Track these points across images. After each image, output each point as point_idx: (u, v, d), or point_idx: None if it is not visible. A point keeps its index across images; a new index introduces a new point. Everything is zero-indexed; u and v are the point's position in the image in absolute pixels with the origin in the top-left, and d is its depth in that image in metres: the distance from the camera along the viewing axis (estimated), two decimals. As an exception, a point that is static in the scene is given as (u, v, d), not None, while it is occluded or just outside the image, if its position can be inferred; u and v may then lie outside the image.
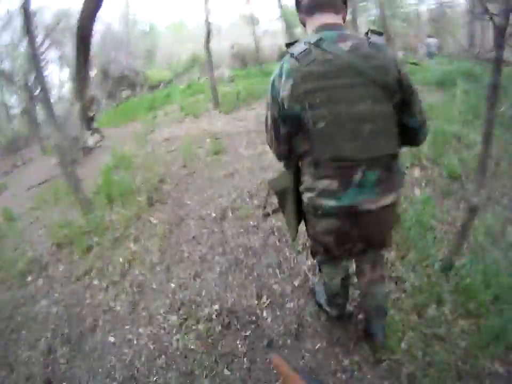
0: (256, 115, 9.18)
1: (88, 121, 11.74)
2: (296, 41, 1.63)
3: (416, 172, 4.47)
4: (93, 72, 27.32)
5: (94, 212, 5.19)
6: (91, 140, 11.75)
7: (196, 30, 40.86)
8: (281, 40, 32.93)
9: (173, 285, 3.34)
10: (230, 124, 8.93)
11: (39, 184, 9.08)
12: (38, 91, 14.86)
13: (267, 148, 6.58)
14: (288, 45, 1.65)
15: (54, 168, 9.81)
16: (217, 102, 11.28)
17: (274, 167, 5.24)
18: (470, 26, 21.90)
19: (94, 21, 8.72)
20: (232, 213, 4.31)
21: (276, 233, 3.72)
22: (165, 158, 7.30)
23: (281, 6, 20.58)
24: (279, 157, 1.90)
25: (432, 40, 16.71)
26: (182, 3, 77.71)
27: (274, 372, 1.32)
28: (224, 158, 6.32)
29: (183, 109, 12.41)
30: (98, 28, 28.96)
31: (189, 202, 4.90)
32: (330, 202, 1.56)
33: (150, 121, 12.43)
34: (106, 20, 31.49)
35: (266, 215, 4.03)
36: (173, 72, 32.77)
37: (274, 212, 4.01)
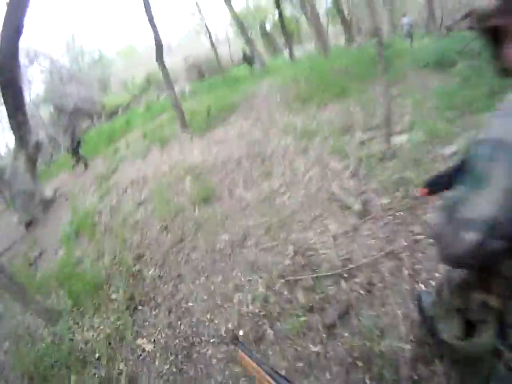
0: (240, 133, 7.51)
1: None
2: None
3: None
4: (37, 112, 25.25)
5: (58, 324, 3.58)
6: (48, 191, 9.89)
7: (147, 52, 39.39)
8: (235, 47, 31.49)
9: None
10: (209, 151, 7.19)
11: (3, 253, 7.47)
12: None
13: (275, 183, 4.76)
14: None
15: (17, 227, 8.65)
16: (185, 123, 9.50)
17: (302, 219, 3.61)
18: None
19: (17, 60, 7.51)
20: (271, 326, 2.56)
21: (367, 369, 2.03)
22: (135, 214, 5.55)
23: (232, 9, 18.73)
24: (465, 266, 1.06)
25: (407, 19, 15.93)
26: (129, 27, 74.17)
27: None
28: (219, 209, 4.60)
29: (146, 136, 10.62)
30: (44, 64, 27.02)
31: (191, 304, 3.13)
32: None
33: (111, 156, 10.60)
34: (54, 56, 29.37)
35: (331, 327, 2.37)
36: (130, 95, 30.55)
37: (341, 317, 2.38)
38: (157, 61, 9.55)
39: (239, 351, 1.10)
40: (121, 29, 74.68)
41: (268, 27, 34.94)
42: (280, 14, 19.49)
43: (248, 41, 19.10)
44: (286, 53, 29.02)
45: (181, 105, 9.74)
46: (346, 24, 21.50)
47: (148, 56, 38.48)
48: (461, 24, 19.48)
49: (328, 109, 7.63)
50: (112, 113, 27.25)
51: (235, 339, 1.22)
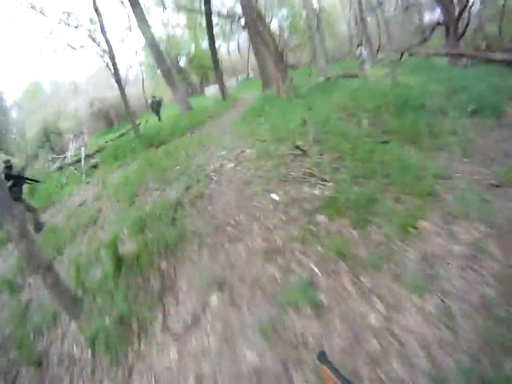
0: None
1: None
2: None
3: None
4: None
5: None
6: None
7: (55, 90, 31.84)
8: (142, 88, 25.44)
9: None
10: None
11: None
12: None
13: None
14: None
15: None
16: (71, 299, 3.55)
17: None
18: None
19: None
20: None
21: None
22: None
23: (147, 29, 12.89)
24: None
25: (361, 49, 14.31)
26: (35, 64, 60.05)
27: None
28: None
29: None
30: None
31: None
32: None
33: None
34: None
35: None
36: (23, 157, 22.51)
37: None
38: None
39: (323, 366, 0.98)
40: (25, 65, 60.58)
41: (182, 62, 29.64)
42: (213, 42, 14.42)
43: (168, 73, 13.47)
44: (208, 91, 24.02)
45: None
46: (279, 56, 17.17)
47: (55, 96, 30.84)
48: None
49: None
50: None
51: (322, 355, 1.05)
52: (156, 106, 15.87)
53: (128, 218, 4.19)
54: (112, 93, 27.86)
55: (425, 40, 15.27)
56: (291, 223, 3.32)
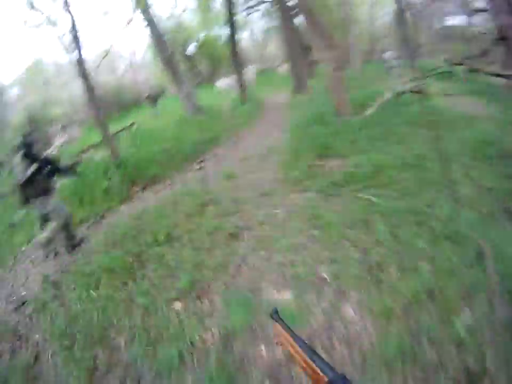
0: None
1: None
2: None
3: None
4: None
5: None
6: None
7: (57, 68, 28.86)
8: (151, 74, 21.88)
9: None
10: None
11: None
12: None
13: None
14: None
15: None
16: None
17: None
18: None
19: None
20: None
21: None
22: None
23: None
24: None
25: (390, 54, 13.08)
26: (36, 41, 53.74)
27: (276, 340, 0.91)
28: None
29: None
30: None
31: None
32: None
33: None
34: None
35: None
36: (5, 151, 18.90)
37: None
38: None
39: (275, 322, 0.91)
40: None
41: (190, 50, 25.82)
42: (232, 26, 11.22)
43: (169, 61, 10.27)
44: (220, 83, 20.31)
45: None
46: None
47: (56, 77, 27.36)
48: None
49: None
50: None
51: (275, 312, 0.95)
52: (152, 101, 13.27)
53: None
54: (115, 76, 24.48)
55: (484, 53, 11.94)
56: None
